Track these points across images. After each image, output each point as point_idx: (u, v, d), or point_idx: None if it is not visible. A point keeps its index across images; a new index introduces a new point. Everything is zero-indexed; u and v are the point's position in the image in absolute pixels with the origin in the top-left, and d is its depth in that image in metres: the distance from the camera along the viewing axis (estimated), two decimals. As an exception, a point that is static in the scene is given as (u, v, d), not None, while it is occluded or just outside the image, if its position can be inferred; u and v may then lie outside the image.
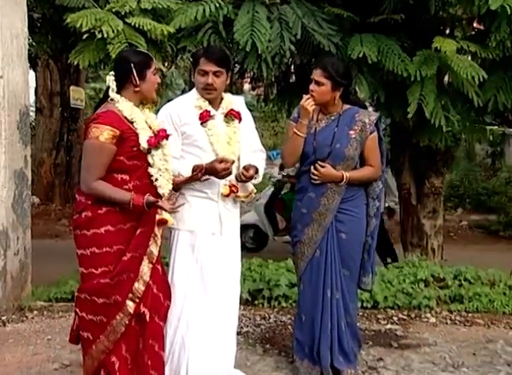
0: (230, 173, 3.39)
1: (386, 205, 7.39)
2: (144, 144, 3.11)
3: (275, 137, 22.95)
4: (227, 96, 3.56)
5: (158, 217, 3.16)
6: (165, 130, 3.21)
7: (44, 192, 11.83)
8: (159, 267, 3.21)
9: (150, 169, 3.15)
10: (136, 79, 3.12)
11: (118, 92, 3.14)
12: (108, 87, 3.16)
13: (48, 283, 5.49)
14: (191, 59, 3.44)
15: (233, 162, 3.41)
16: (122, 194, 3.05)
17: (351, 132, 3.63)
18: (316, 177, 3.61)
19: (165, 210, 3.11)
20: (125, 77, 3.13)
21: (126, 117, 3.10)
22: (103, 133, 3.01)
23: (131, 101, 3.13)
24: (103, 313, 3.07)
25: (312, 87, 3.61)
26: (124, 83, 3.14)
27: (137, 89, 3.14)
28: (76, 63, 5.27)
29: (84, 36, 5.11)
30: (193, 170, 3.34)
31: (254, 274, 5.40)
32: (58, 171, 11.88)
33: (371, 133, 3.64)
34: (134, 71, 3.11)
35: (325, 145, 3.62)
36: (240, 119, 3.54)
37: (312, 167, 3.62)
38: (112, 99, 3.13)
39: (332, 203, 3.64)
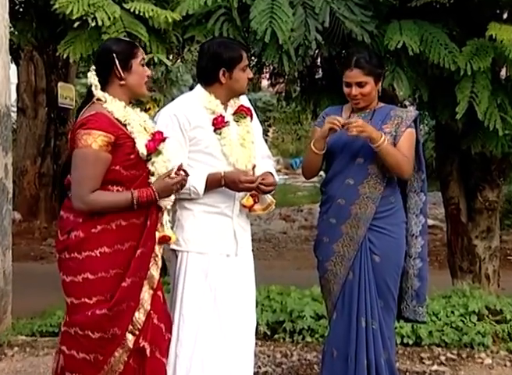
0: (253, 188, 3.40)
1: None
2: (142, 150, 3.13)
3: (297, 143, 22.93)
4: None
5: (158, 234, 3.18)
6: (161, 133, 3.24)
7: (28, 207, 11.92)
8: (160, 294, 3.23)
9: (152, 179, 3.17)
10: (120, 70, 3.15)
11: (102, 90, 3.17)
12: (91, 86, 3.18)
13: (31, 315, 5.53)
14: (225, 58, 3.46)
15: (254, 167, 3.47)
16: (125, 195, 3.07)
17: (385, 126, 3.70)
18: (355, 125, 3.59)
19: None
20: (107, 70, 3.17)
21: (118, 119, 3.13)
22: (96, 140, 3.03)
23: (118, 98, 3.16)
24: (99, 350, 3.07)
25: (355, 91, 3.68)
26: (108, 77, 3.17)
27: (123, 82, 3.17)
28: (65, 56, 5.31)
29: (75, 24, 5.14)
30: (207, 179, 3.36)
31: (274, 304, 5.41)
32: (43, 182, 11.97)
33: (407, 128, 3.71)
34: (117, 61, 3.14)
35: (355, 140, 3.67)
36: (251, 117, 3.60)
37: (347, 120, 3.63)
38: (98, 99, 3.15)
39: (365, 212, 3.67)
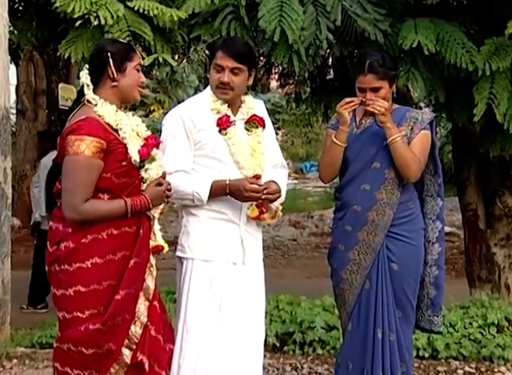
0: (258, 198, 3.40)
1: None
2: (135, 157, 3.11)
3: (308, 146, 22.95)
4: (248, 99, 3.62)
5: (152, 244, 3.18)
6: (154, 137, 3.23)
7: (27, 213, 11.91)
8: (156, 304, 3.22)
9: (144, 187, 3.16)
10: (113, 70, 3.14)
11: (94, 90, 3.15)
12: (83, 86, 3.17)
13: (30, 325, 5.54)
14: (207, 51, 3.48)
15: (260, 177, 3.45)
16: (119, 204, 3.06)
17: (401, 128, 3.72)
18: (379, 105, 3.62)
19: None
20: (100, 70, 3.16)
21: (108, 124, 3.11)
22: (89, 147, 3.01)
23: (109, 101, 3.14)
24: (93, 366, 3.06)
25: (369, 96, 3.68)
26: (100, 77, 3.16)
27: (115, 83, 3.15)
28: (66, 56, 5.33)
29: (77, 23, 5.15)
30: (211, 186, 3.36)
31: (283, 314, 5.41)
32: (43, 187, 12.00)
33: (422, 130, 3.73)
34: (111, 61, 3.13)
35: (371, 144, 3.71)
36: (263, 127, 3.58)
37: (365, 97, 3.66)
38: (88, 101, 3.14)
39: (382, 219, 3.68)
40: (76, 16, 5.07)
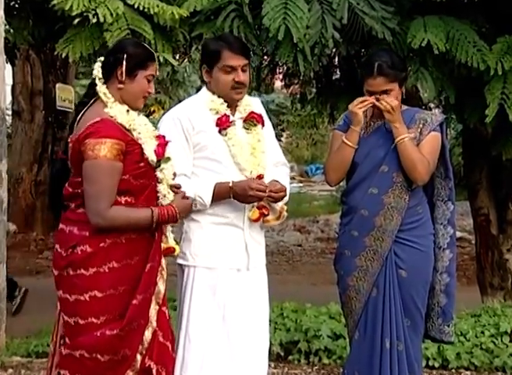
0: (262, 198, 3.40)
1: None
2: (152, 157, 3.14)
3: (313, 148, 22.95)
4: (245, 97, 3.62)
5: (163, 246, 3.20)
6: (163, 136, 3.25)
7: (23, 217, 11.96)
8: (165, 309, 3.23)
9: (159, 187, 3.18)
10: (123, 73, 3.14)
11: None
12: (95, 79, 3.18)
13: (26, 334, 5.53)
14: (205, 54, 3.49)
15: (262, 176, 3.46)
16: (145, 213, 3.09)
17: (410, 130, 3.71)
18: (389, 102, 3.63)
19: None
20: (112, 67, 3.17)
21: (121, 124, 3.13)
22: (110, 149, 3.03)
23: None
24: (108, 373, 3.07)
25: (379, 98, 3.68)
26: (109, 74, 3.17)
27: (121, 86, 3.16)
28: (64, 55, 5.33)
29: (75, 21, 5.15)
30: (214, 189, 3.37)
31: (288, 322, 5.40)
32: (40, 191, 12.01)
33: (431, 132, 3.72)
34: (124, 63, 3.14)
35: (379, 147, 3.71)
36: (262, 124, 3.59)
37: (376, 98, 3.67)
38: (99, 98, 3.15)
39: (390, 224, 3.67)
40: (74, 13, 5.06)
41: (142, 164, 3.12)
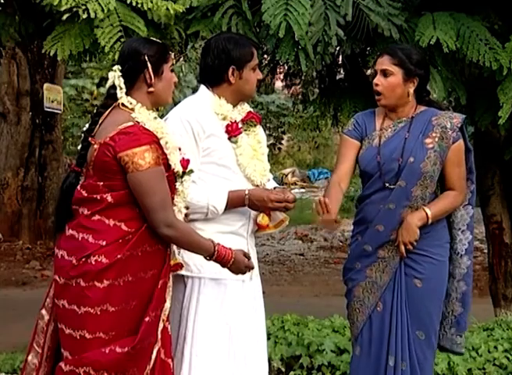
0: (281, 208, 3.47)
1: None
2: (178, 168, 3.17)
3: (316, 152, 22.95)
4: None
5: (172, 262, 3.23)
6: (179, 147, 3.27)
7: (9, 225, 11.97)
8: (168, 325, 3.23)
9: (176, 199, 3.19)
10: (152, 77, 3.16)
11: (126, 94, 3.16)
12: (112, 87, 3.17)
13: (12, 349, 5.52)
14: (237, 54, 3.50)
15: (268, 181, 3.56)
16: (208, 242, 3.18)
17: (427, 140, 3.69)
18: (406, 239, 3.64)
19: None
20: (136, 75, 3.17)
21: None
22: (157, 156, 3.05)
23: (146, 107, 3.16)
24: None
25: (377, 79, 3.71)
26: (134, 82, 3.17)
27: (151, 89, 3.18)
28: (52, 54, 5.34)
29: (64, 17, 5.16)
30: (227, 198, 3.41)
31: (289, 335, 5.38)
32: (26, 197, 12.02)
33: (454, 142, 3.70)
34: (149, 65, 3.15)
35: (394, 160, 3.69)
36: (260, 124, 3.66)
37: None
38: (123, 104, 3.14)
39: None
40: (63, 9, 5.06)
41: (167, 174, 3.13)
